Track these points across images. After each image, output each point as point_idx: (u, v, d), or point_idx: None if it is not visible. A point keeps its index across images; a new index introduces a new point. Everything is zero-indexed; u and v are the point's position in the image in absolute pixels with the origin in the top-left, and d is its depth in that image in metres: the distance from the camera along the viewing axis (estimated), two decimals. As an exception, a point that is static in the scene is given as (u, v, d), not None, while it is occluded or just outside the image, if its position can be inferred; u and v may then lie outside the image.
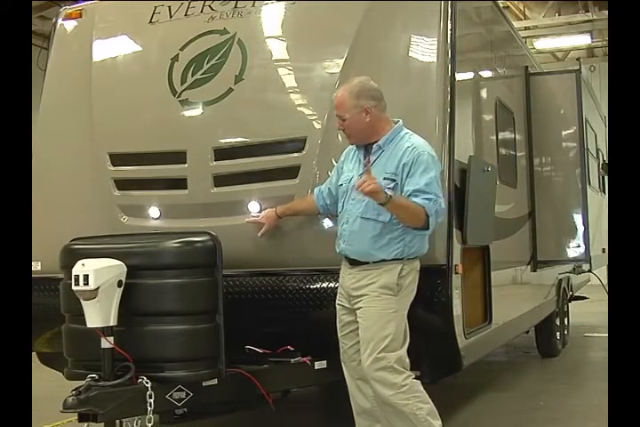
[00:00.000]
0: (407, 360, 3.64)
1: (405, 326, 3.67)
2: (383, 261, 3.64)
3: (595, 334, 9.06)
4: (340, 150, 4.13)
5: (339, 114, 3.71)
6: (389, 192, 3.48)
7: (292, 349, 4.12)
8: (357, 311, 3.69)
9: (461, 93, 4.46)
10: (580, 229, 6.97)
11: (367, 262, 3.67)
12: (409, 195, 3.56)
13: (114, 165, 4.74)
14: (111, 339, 3.47)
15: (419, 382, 3.66)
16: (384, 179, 3.60)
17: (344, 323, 3.81)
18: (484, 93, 5.37)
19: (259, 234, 4.17)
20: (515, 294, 6.13)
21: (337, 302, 3.85)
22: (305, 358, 4.10)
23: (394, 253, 3.63)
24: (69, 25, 5.27)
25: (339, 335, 3.83)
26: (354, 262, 3.73)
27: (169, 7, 4.86)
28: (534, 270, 6.55)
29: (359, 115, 3.66)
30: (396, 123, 3.77)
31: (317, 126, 4.30)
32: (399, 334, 3.63)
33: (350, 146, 3.88)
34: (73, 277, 3.46)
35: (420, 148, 3.64)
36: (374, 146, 3.70)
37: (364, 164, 3.72)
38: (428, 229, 3.61)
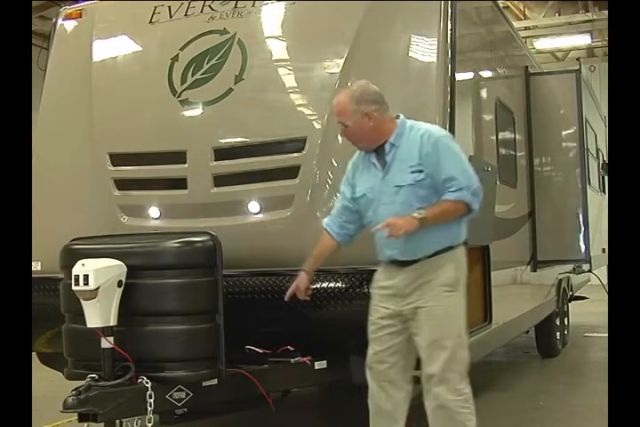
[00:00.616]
0: (467, 363, 3.58)
1: (465, 324, 3.60)
2: (436, 254, 3.52)
3: (595, 334, 9.06)
4: (340, 151, 4.13)
5: (340, 121, 3.60)
6: (416, 214, 3.37)
7: (292, 349, 4.12)
8: (418, 310, 3.52)
9: (461, 93, 4.46)
10: (580, 229, 6.97)
11: (419, 260, 3.53)
12: (443, 184, 3.47)
13: (114, 165, 4.74)
14: (111, 339, 3.47)
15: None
16: (411, 172, 3.49)
17: (380, 326, 3.63)
18: (484, 93, 5.37)
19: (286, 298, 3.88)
20: (515, 294, 6.13)
21: (377, 304, 3.64)
22: (305, 358, 4.09)
23: (443, 243, 3.53)
24: (69, 25, 5.27)
25: (370, 337, 3.66)
26: (404, 263, 3.55)
27: (169, 7, 4.86)
28: (534, 270, 6.55)
29: (362, 120, 3.54)
30: (397, 118, 3.67)
31: (317, 126, 4.30)
32: (464, 332, 3.57)
33: (356, 155, 3.75)
34: (73, 277, 3.46)
35: (435, 133, 3.57)
36: (386, 146, 3.57)
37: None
38: (473, 211, 3.54)
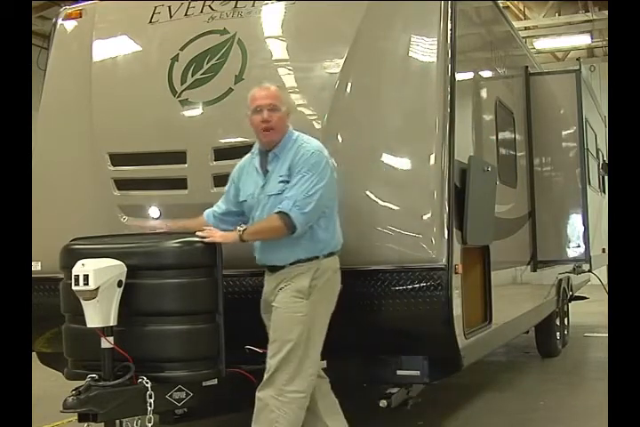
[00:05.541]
0: (311, 370, 3.63)
1: (318, 331, 3.66)
2: (298, 261, 3.67)
3: (595, 334, 9.06)
4: (340, 151, 4.13)
5: (275, 103, 3.73)
6: (239, 228, 3.63)
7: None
8: (272, 309, 3.71)
9: (461, 93, 4.46)
10: (580, 229, 6.97)
11: (284, 266, 3.70)
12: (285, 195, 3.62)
13: (114, 165, 4.74)
14: (111, 339, 3.47)
15: (304, 404, 3.62)
16: (279, 182, 3.67)
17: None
18: (483, 93, 5.37)
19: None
20: (515, 293, 6.13)
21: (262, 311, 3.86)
22: (305, 358, 4.09)
23: (299, 255, 3.67)
24: (69, 25, 5.27)
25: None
26: (273, 269, 3.77)
27: (169, 7, 4.86)
28: (534, 270, 6.55)
29: (285, 112, 3.77)
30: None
31: (317, 126, 4.29)
32: (305, 339, 3.60)
33: (243, 159, 3.96)
34: (73, 277, 3.46)
35: (308, 148, 3.71)
36: (270, 154, 3.75)
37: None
38: (295, 229, 3.57)
